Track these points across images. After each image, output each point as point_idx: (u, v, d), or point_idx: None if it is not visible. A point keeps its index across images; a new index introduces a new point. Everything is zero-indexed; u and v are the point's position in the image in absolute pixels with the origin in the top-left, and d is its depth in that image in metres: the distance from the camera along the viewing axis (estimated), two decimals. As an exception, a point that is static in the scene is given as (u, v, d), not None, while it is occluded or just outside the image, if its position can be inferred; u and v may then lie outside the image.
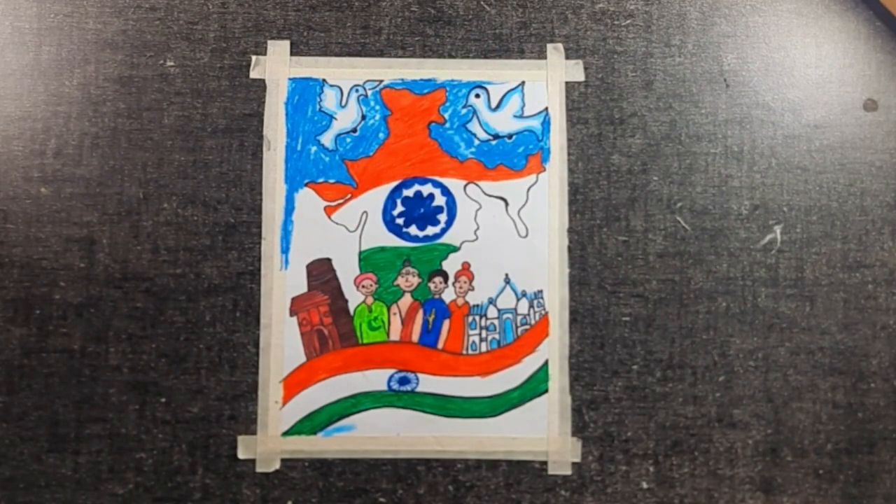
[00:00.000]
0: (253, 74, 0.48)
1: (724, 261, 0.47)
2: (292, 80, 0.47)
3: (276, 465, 0.45)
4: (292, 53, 0.48)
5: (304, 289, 0.46)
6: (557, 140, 0.47)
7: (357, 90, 0.48)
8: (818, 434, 0.46)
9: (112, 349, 0.45)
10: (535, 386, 0.46)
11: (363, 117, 0.47)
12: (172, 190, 0.47)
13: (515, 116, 0.48)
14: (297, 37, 0.48)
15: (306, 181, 0.47)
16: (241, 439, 0.45)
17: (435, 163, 0.47)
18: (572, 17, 0.49)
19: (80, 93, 0.47)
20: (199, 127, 0.47)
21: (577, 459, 0.45)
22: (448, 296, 0.46)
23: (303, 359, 0.46)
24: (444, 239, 0.47)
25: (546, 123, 0.48)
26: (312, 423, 0.45)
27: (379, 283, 0.46)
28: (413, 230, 0.47)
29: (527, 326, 0.46)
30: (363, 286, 0.46)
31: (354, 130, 0.47)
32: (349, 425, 0.45)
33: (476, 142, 0.47)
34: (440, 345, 0.46)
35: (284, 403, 0.45)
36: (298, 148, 0.47)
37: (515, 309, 0.46)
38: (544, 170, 0.47)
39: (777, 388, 0.46)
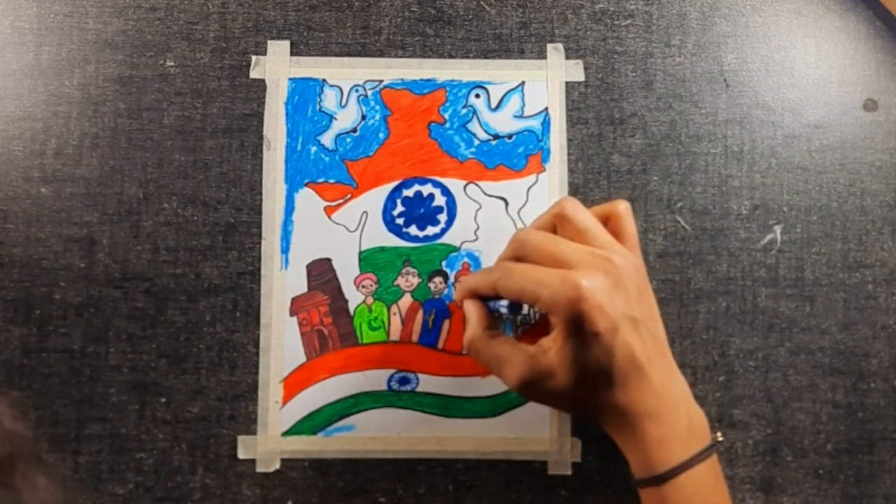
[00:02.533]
0: (253, 74, 0.48)
1: (724, 261, 0.47)
2: (292, 80, 0.47)
3: (276, 465, 0.45)
4: (292, 53, 0.48)
5: (304, 289, 0.46)
6: (557, 140, 0.47)
7: (357, 90, 0.48)
8: (818, 434, 0.46)
9: (112, 349, 0.45)
10: (535, 386, 0.46)
11: (363, 117, 0.47)
12: (172, 190, 0.47)
13: (515, 116, 0.48)
14: (297, 37, 0.48)
15: (306, 181, 0.47)
16: (241, 439, 0.45)
17: (435, 163, 0.47)
18: (572, 17, 0.49)
19: (80, 93, 0.47)
20: (199, 127, 0.47)
21: (577, 459, 0.45)
22: (448, 296, 0.46)
23: (303, 359, 0.46)
24: (444, 239, 0.47)
25: (546, 123, 0.48)
26: (312, 423, 0.45)
27: (379, 283, 0.46)
28: (413, 230, 0.47)
29: (527, 326, 0.46)
30: (363, 286, 0.46)
31: (354, 130, 0.47)
32: (349, 425, 0.45)
33: (476, 142, 0.47)
34: (440, 345, 0.46)
35: (284, 403, 0.45)
36: (298, 148, 0.47)
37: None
38: (544, 170, 0.47)
39: (777, 388, 0.46)
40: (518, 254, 0.40)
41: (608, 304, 0.36)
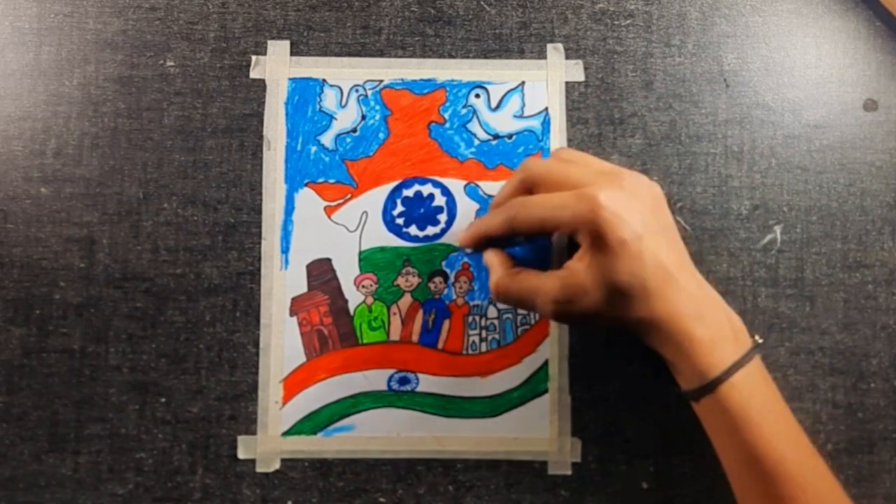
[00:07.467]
0: (253, 74, 0.48)
1: (724, 261, 0.47)
2: (292, 80, 0.47)
3: (276, 465, 0.45)
4: (292, 53, 0.48)
5: (304, 289, 0.46)
6: (557, 140, 0.47)
7: (357, 90, 0.48)
8: (818, 434, 0.46)
9: (112, 349, 0.45)
10: (535, 386, 0.46)
11: (363, 117, 0.47)
12: (172, 190, 0.47)
13: (515, 116, 0.48)
14: (297, 37, 0.48)
15: (306, 181, 0.47)
16: (241, 439, 0.45)
17: (435, 163, 0.47)
18: (572, 17, 0.49)
19: (80, 93, 0.47)
20: (199, 127, 0.47)
21: (577, 459, 0.45)
22: (448, 296, 0.46)
23: (303, 359, 0.46)
24: (444, 239, 0.47)
25: (546, 123, 0.48)
26: (312, 423, 0.45)
27: (379, 283, 0.46)
28: (413, 230, 0.47)
29: (527, 326, 0.46)
30: (363, 286, 0.46)
31: (354, 130, 0.47)
32: (349, 425, 0.45)
33: (476, 142, 0.47)
34: (440, 345, 0.46)
35: (284, 403, 0.45)
36: (298, 148, 0.47)
37: (515, 309, 0.46)
38: (544, 170, 0.47)
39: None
40: (526, 185, 0.40)
41: (627, 213, 0.37)
